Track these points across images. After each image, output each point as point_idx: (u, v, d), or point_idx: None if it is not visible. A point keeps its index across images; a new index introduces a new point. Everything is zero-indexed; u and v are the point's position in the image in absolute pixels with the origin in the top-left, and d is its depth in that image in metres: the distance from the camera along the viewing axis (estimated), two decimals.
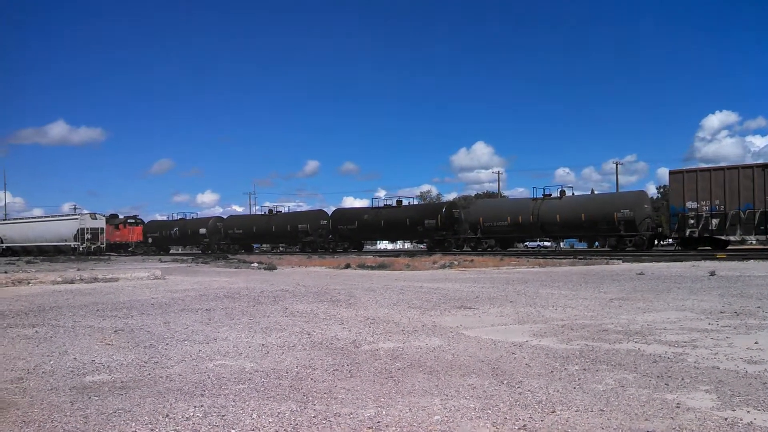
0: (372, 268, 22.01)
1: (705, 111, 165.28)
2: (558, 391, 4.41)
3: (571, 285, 13.18)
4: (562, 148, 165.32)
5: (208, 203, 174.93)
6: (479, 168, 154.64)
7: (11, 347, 6.47)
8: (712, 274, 15.26)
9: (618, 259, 25.34)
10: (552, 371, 5.04)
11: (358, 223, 48.24)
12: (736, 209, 28.92)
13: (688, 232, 30.35)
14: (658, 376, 4.79)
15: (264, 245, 60.48)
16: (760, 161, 30.44)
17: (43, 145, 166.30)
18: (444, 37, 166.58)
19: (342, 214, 51.52)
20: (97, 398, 4.37)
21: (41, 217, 69.35)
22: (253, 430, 3.64)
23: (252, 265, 26.02)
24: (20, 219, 72.14)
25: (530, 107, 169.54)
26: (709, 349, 5.84)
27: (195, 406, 4.13)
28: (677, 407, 3.94)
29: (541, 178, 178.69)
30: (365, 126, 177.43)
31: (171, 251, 61.39)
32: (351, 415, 3.88)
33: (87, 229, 57.19)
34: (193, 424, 3.76)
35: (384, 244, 64.13)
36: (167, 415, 3.93)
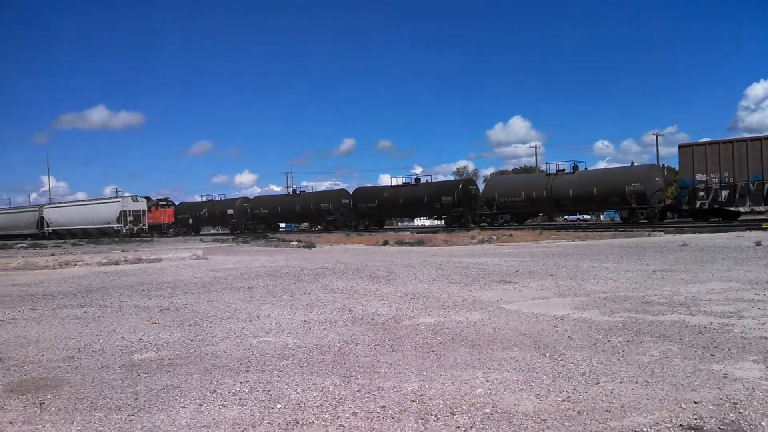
0: (410, 244, 22.03)
1: (749, 79, 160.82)
2: (601, 363, 4.38)
3: (612, 257, 13.04)
4: (600, 121, 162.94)
5: (246, 183, 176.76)
6: (516, 142, 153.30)
7: (62, 327, 6.65)
8: (758, 244, 14.96)
9: (660, 230, 24.95)
10: (595, 343, 5.01)
11: (378, 201, 49.18)
12: (744, 181, 29.44)
13: (698, 204, 30.82)
14: (704, 347, 4.73)
15: (291, 224, 61.47)
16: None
17: (84, 129, 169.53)
18: (478, 12, 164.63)
19: (362, 192, 52.32)
20: (145, 375, 4.48)
21: (85, 200, 70.73)
22: (298, 404, 3.69)
23: (291, 243, 26.24)
24: (65, 203, 73.68)
25: (568, 80, 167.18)
26: (756, 320, 5.74)
27: (241, 382, 4.20)
28: (724, 378, 3.90)
29: (580, 151, 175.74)
30: (401, 103, 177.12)
31: (201, 232, 62.59)
32: (394, 389, 3.91)
33: (129, 211, 58.19)
34: (240, 399, 3.84)
35: (422, 221, 64.12)
36: (214, 391, 4.02)
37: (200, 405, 3.74)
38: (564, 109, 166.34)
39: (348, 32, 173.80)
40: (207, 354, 5.13)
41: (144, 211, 59.82)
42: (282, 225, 61.46)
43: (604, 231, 26.48)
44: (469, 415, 3.39)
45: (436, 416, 3.40)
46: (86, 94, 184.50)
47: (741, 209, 30.87)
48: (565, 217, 55.93)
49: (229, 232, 59.68)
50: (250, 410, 3.61)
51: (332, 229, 48.04)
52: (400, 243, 22.67)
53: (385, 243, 22.98)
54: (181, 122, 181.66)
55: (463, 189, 44.62)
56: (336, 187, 54.76)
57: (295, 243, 26.05)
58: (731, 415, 3.26)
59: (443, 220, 48.42)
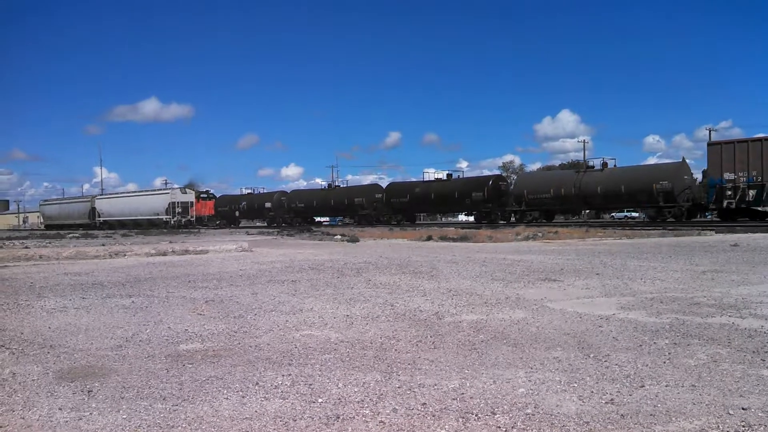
0: (453, 239, 21.94)
1: None
2: (647, 365, 4.30)
3: (660, 257, 12.79)
4: (652, 115, 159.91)
5: (292, 176, 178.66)
6: (564, 137, 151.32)
7: (110, 317, 6.80)
8: None
9: (710, 230, 24.38)
10: (641, 345, 4.92)
11: (409, 196, 49.85)
12: None
13: (725, 204, 30.36)
14: (753, 352, 4.61)
15: (324, 218, 62.75)
16: None
17: (136, 121, 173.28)
18: (528, 4, 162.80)
19: (395, 188, 53.10)
20: (190, 366, 4.55)
21: (135, 191, 72.24)
22: (339, 399, 3.71)
23: (335, 237, 26.37)
24: (115, 194, 75.34)
25: (618, 73, 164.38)
26: None
27: (283, 375, 4.24)
28: None
29: (629, 146, 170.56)
30: (447, 96, 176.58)
31: (240, 224, 63.84)
32: (435, 386, 3.91)
33: (177, 203, 59.28)
34: (282, 392, 3.87)
35: (460, 216, 63.96)
36: (257, 383, 4.06)
37: (243, 397, 3.79)
38: (614, 102, 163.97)
39: (394, 27, 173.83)
40: (250, 346, 5.19)
41: (192, 202, 60.88)
42: (322, 219, 62.49)
43: (652, 229, 26.00)
44: (510, 415, 3.37)
45: (476, 415, 3.38)
46: (139, 87, 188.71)
47: None
48: (612, 214, 55.23)
49: (266, 224, 61.20)
50: (292, 403, 3.65)
51: (365, 224, 48.95)
52: (444, 238, 22.59)
53: (429, 238, 22.92)
54: (230, 115, 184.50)
55: (493, 185, 44.81)
56: (379, 181, 55.16)
57: (338, 237, 26.17)
58: None
59: (473, 216, 48.72)
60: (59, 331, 5.96)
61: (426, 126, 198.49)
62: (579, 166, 46.06)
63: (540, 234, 23.08)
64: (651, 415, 3.33)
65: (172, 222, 57.64)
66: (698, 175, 36.98)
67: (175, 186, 64.82)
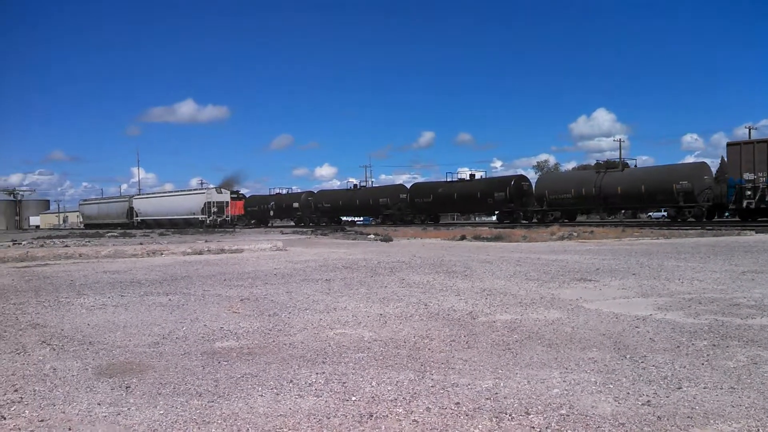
0: (487, 239, 21.84)
1: None
2: (684, 367, 4.24)
3: (698, 257, 12.58)
4: (689, 113, 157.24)
5: (326, 176, 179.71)
6: (600, 136, 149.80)
7: (148, 314, 6.90)
8: None
9: (750, 229, 23.91)
10: (678, 346, 4.85)
11: (433, 196, 50.67)
12: None
13: (745, 204, 30.29)
14: None
15: (350, 217, 64.80)
16: None
17: (173, 122, 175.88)
18: (562, 4, 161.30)
19: (419, 188, 53.93)
20: (226, 363, 4.60)
21: (171, 191, 73.20)
22: (373, 397, 3.72)
23: (368, 236, 26.42)
24: (152, 193, 76.47)
25: (655, 72, 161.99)
26: None
27: (317, 373, 4.27)
28: None
29: (667, 145, 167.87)
30: (482, 96, 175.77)
31: (269, 224, 65.05)
32: (469, 386, 3.89)
33: (213, 202, 59.93)
34: (316, 390, 3.89)
35: (485, 217, 64.01)
36: (291, 381, 4.09)
37: (277, 394, 3.82)
38: (651, 101, 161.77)
39: (429, 27, 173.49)
40: (285, 344, 5.23)
41: (227, 202, 61.50)
42: (350, 218, 63.51)
43: (690, 229, 25.58)
44: (545, 416, 3.34)
45: (510, 415, 3.36)
46: (176, 89, 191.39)
47: None
48: (650, 214, 54.66)
49: (294, 224, 63.09)
50: (326, 401, 3.67)
51: (389, 223, 49.87)
52: (478, 238, 22.50)
53: (462, 238, 22.85)
54: (265, 116, 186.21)
55: (515, 185, 45.26)
56: (412, 180, 55.42)
57: (372, 236, 26.22)
58: None
59: (495, 216, 49.26)
60: (98, 328, 6.07)
61: (460, 125, 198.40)
62: (616, 164, 45.86)
63: (575, 233, 22.86)
64: (688, 417, 3.28)
65: (208, 221, 58.30)
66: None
67: (211, 186, 65.63)
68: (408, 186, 55.91)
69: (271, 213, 66.24)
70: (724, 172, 34.26)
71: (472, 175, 50.33)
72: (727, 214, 35.68)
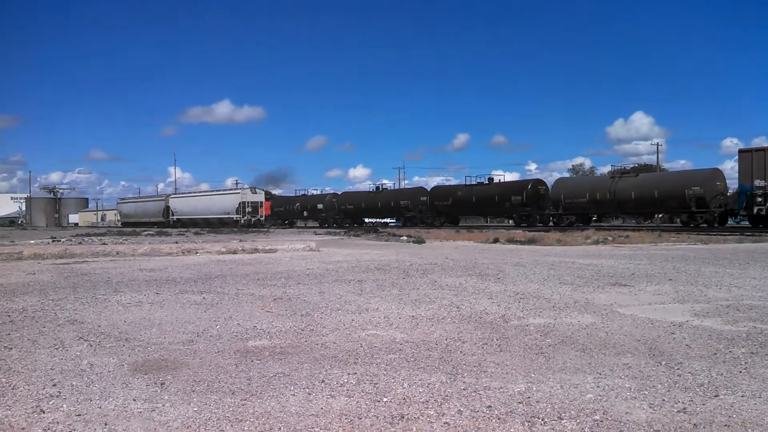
0: (521, 242, 21.69)
1: None
2: (722, 374, 4.16)
3: (737, 263, 12.34)
4: (730, 117, 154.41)
5: (360, 178, 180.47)
6: (637, 139, 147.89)
7: (182, 312, 6.99)
8: None
9: None
10: (715, 353, 4.77)
11: (452, 199, 51.66)
12: None
13: (755, 210, 30.64)
14: None
15: (372, 219, 65.22)
16: None
17: (209, 122, 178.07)
18: (599, 7, 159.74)
19: (439, 191, 54.92)
20: (258, 362, 4.64)
21: (207, 191, 74.10)
22: (404, 399, 3.72)
23: (401, 238, 26.42)
24: (188, 193, 77.45)
25: (694, 75, 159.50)
26: None
27: (348, 374, 4.28)
28: None
29: (706, 149, 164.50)
30: (517, 98, 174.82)
31: (295, 224, 66.31)
32: (501, 390, 3.87)
33: (248, 202, 60.51)
34: (347, 390, 3.91)
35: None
36: (323, 381, 4.11)
37: (309, 394, 3.84)
38: (691, 104, 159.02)
39: (465, 29, 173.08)
40: (317, 344, 5.26)
41: (261, 202, 62.06)
42: (379, 221, 64.75)
43: (729, 234, 25.11)
44: (578, 421, 3.31)
45: (542, 420, 3.34)
46: (213, 89, 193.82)
47: None
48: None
49: (318, 225, 64.28)
50: (357, 402, 3.68)
51: (410, 225, 50.95)
52: (511, 241, 22.36)
53: (495, 240, 22.73)
54: (300, 117, 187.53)
55: (532, 189, 45.95)
56: (446, 182, 55.49)
57: (404, 238, 26.21)
58: None
59: (512, 219, 49.73)
60: (134, 325, 6.17)
61: (495, 128, 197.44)
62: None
63: (610, 238, 22.59)
64: (725, 425, 3.22)
65: (242, 221, 58.86)
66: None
67: (246, 186, 66.25)
68: (429, 189, 56.72)
69: (296, 213, 67.62)
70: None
71: (490, 179, 50.86)
72: (738, 219, 36.22)
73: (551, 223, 42.98)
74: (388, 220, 63.49)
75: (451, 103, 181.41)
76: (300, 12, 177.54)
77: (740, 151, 33.21)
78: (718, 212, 34.72)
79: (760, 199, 30.67)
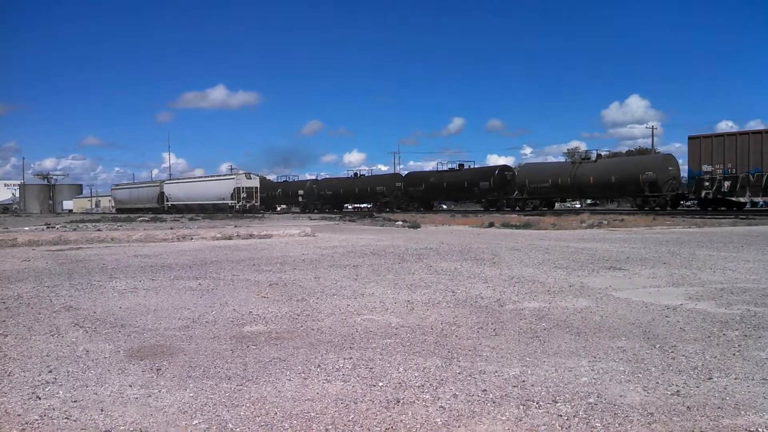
0: (516, 227, 21.71)
1: None
2: (715, 357, 4.19)
3: (731, 246, 12.39)
4: (725, 100, 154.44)
5: (355, 163, 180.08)
6: (633, 123, 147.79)
7: (178, 298, 6.99)
8: None
9: None
10: (709, 336, 4.79)
11: (425, 185, 53.72)
12: (745, 172, 31.12)
13: (703, 194, 32.76)
14: None
15: (352, 204, 67.65)
16: None
17: (204, 108, 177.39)
18: None
19: (412, 177, 57.14)
20: (254, 347, 4.65)
21: (201, 177, 74.03)
22: (400, 383, 3.74)
23: (396, 223, 26.43)
24: (183, 179, 77.31)
25: (690, 58, 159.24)
26: None
27: (344, 358, 4.29)
28: None
29: (702, 132, 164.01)
30: (513, 82, 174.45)
31: (277, 209, 67.72)
32: (496, 373, 3.89)
33: (243, 188, 60.43)
34: (343, 375, 3.92)
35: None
36: (319, 366, 4.12)
37: (305, 379, 3.85)
38: (686, 87, 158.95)
39: (460, 13, 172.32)
40: (313, 329, 5.27)
41: (257, 188, 62.02)
42: (345, 205, 66.82)
43: (723, 218, 25.19)
44: (573, 404, 3.33)
45: (537, 403, 3.36)
46: (208, 74, 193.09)
47: (741, 199, 32.61)
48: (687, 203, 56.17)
49: (299, 210, 65.66)
50: (353, 386, 3.69)
51: (387, 211, 52.54)
52: (506, 225, 22.39)
53: (491, 225, 22.75)
54: (295, 102, 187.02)
55: (499, 175, 48.18)
56: (440, 167, 55.57)
57: (400, 223, 26.22)
58: None
59: (481, 204, 51.30)
60: (130, 311, 6.17)
61: (490, 112, 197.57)
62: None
63: (605, 222, 22.65)
64: (719, 408, 3.24)
65: (237, 207, 58.81)
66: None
67: (240, 172, 66.17)
68: (404, 175, 58.89)
69: (278, 199, 69.60)
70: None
71: (461, 165, 52.73)
72: (688, 203, 38.14)
73: (517, 207, 44.65)
74: (366, 205, 64.64)
75: (447, 87, 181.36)
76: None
77: (690, 138, 34.92)
78: (670, 196, 36.66)
79: (707, 184, 32.44)
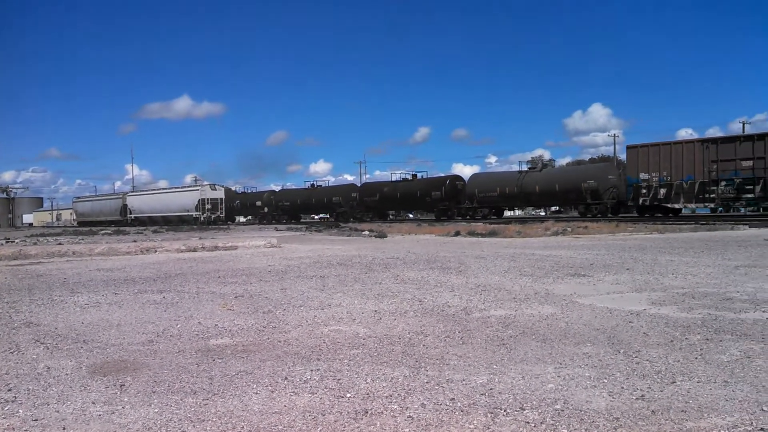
0: (482, 235, 21.86)
1: None
2: (678, 361, 4.25)
3: (692, 252, 12.62)
4: (685, 108, 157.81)
5: (321, 172, 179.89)
6: (595, 131, 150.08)
7: (142, 312, 6.89)
8: None
9: (744, 224, 24.00)
10: (672, 341, 4.87)
11: (379, 195, 54.95)
12: (680, 180, 32.67)
13: (641, 201, 34.33)
14: None
15: (309, 215, 68.48)
16: (704, 137, 35.00)
17: (169, 119, 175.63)
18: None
19: (368, 187, 58.45)
20: (220, 360, 4.60)
21: (165, 188, 73.36)
22: (368, 394, 3.72)
23: (363, 233, 26.42)
24: (146, 190, 76.40)
25: (651, 67, 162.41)
26: None
27: (312, 370, 4.27)
28: None
29: (662, 140, 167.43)
30: (478, 91, 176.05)
31: (236, 220, 67.95)
32: (463, 382, 3.90)
33: (207, 199, 59.96)
34: (311, 387, 3.89)
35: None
36: (286, 378, 4.09)
37: (272, 391, 3.82)
38: (647, 96, 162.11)
39: (425, 22, 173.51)
40: (279, 341, 5.23)
41: (222, 199, 61.61)
42: (302, 216, 67.80)
43: (684, 224, 25.67)
44: (539, 411, 3.35)
45: (505, 411, 3.37)
46: (172, 85, 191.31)
47: (675, 206, 34.37)
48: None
49: (257, 221, 66.94)
50: (321, 398, 3.67)
51: (342, 221, 52.70)
52: (472, 234, 22.52)
53: (457, 234, 22.86)
54: (260, 112, 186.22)
55: (450, 185, 49.51)
56: (407, 176, 55.83)
57: (366, 233, 26.22)
58: None
59: (433, 213, 52.87)
60: (92, 326, 6.06)
61: (456, 121, 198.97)
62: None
63: (569, 229, 22.91)
64: (682, 411, 3.29)
65: (202, 218, 58.30)
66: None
67: (205, 183, 65.62)
68: (359, 185, 60.19)
69: (238, 210, 70.67)
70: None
71: (414, 176, 54.19)
72: (630, 210, 39.49)
73: (468, 216, 46.17)
74: (323, 216, 65.04)
75: (413, 96, 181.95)
76: (258, 7, 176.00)
77: (628, 147, 36.75)
78: (610, 203, 38.19)
79: (644, 191, 33.89)
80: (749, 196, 31.16)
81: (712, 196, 32.00)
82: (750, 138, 31.72)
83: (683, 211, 35.58)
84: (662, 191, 33.30)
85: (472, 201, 47.04)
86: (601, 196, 38.73)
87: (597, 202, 38.95)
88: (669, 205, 34.35)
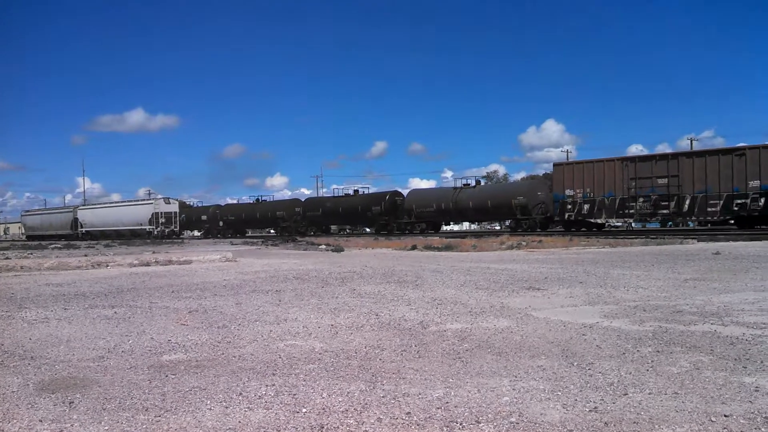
0: (438, 249, 21.97)
1: None
2: (630, 373, 4.32)
3: (643, 265, 12.87)
4: (635, 125, 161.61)
5: (278, 186, 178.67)
6: (549, 146, 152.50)
7: (92, 327, 6.74)
8: None
9: (693, 238, 24.58)
10: (624, 353, 4.95)
11: (322, 210, 55.78)
12: (601, 196, 34.24)
13: (566, 216, 35.72)
14: (735, 359, 4.64)
15: (254, 230, 68.44)
16: (624, 155, 36.30)
17: (122, 131, 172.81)
18: (509, 14, 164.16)
19: (311, 202, 59.04)
20: (173, 376, 4.52)
21: (118, 202, 72.00)
22: (324, 408, 3.70)
23: (320, 247, 26.33)
24: (98, 204, 74.96)
25: (602, 83, 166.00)
26: None
27: (267, 385, 4.22)
28: (756, 391, 3.82)
29: (613, 155, 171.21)
30: (433, 106, 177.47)
31: (181, 235, 67.44)
32: (420, 396, 3.90)
33: (161, 213, 59.08)
34: (266, 402, 3.85)
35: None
36: (240, 393, 4.04)
37: (226, 407, 3.76)
38: (599, 112, 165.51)
39: (379, 36, 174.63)
40: (234, 356, 5.16)
41: (176, 212, 60.82)
42: (247, 230, 67.58)
43: (635, 238, 26.18)
44: (495, 424, 3.37)
45: (461, 424, 3.38)
46: (125, 97, 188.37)
47: (598, 221, 35.94)
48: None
49: (201, 236, 66.73)
50: (276, 414, 3.63)
51: (286, 235, 53.13)
52: (429, 248, 22.62)
53: (414, 247, 22.94)
54: (216, 125, 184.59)
55: (390, 200, 50.80)
56: (364, 190, 55.95)
57: (323, 246, 26.13)
58: (763, 429, 3.20)
59: (374, 228, 53.62)
60: (40, 342, 5.90)
61: (412, 136, 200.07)
62: (469, 183, 49.80)
63: (524, 243, 23.17)
64: (634, 422, 3.34)
65: (156, 232, 57.39)
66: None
67: (159, 196, 64.74)
68: (302, 200, 60.22)
69: (183, 225, 69.38)
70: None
71: (356, 191, 55.19)
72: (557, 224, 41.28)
73: (406, 231, 47.40)
74: (267, 231, 64.87)
75: (369, 110, 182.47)
76: (213, 19, 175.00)
77: (555, 165, 38.74)
78: (539, 218, 39.64)
79: (570, 206, 35.36)
80: (665, 211, 32.79)
81: (631, 211, 33.55)
82: (665, 157, 33.45)
83: (605, 226, 37.29)
84: (586, 207, 34.77)
85: (410, 216, 48.29)
86: (530, 211, 39.99)
87: (526, 218, 40.34)
88: (592, 220, 35.87)
